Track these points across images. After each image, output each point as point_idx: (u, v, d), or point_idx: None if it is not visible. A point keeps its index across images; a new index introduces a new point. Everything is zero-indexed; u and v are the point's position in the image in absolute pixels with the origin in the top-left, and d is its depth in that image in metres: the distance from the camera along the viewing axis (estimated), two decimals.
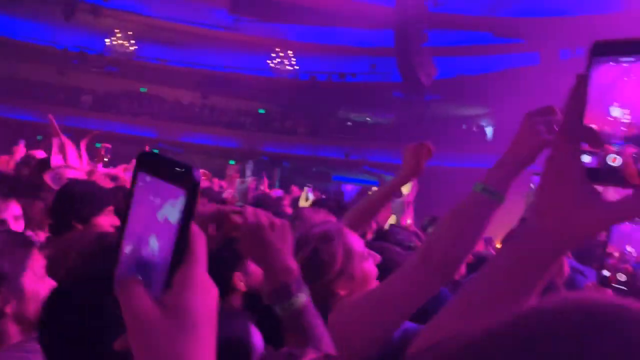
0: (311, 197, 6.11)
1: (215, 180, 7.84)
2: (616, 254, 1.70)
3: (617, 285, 1.65)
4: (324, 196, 6.49)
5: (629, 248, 1.70)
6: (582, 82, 0.74)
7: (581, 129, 0.74)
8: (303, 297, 1.20)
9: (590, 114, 0.74)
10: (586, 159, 0.74)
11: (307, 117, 22.08)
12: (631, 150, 0.72)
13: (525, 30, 18.59)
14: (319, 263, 1.64)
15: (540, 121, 1.10)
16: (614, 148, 0.74)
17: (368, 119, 22.83)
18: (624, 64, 0.74)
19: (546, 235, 0.77)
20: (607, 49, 0.77)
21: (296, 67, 22.58)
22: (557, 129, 0.89)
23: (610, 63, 0.75)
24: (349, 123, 22.56)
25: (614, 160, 0.73)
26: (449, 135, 17.34)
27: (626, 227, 1.73)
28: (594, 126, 0.74)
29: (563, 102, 0.76)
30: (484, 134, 19.58)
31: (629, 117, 0.73)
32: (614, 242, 1.70)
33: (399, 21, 17.72)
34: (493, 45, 20.31)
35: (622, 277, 1.66)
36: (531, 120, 1.11)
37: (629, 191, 0.75)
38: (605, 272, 1.67)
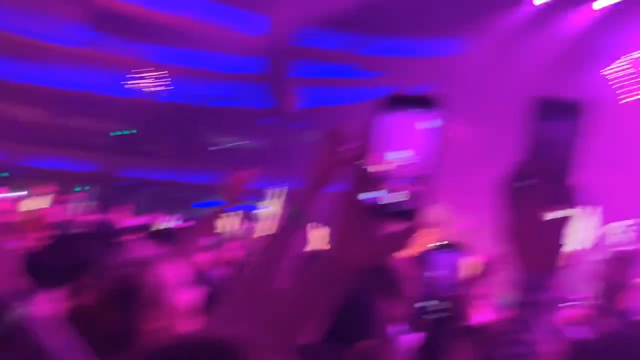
0: (165, 226, 5.92)
1: (59, 208, 7.27)
2: (428, 282, 1.81)
3: (433, 314, 1.74)
4: (183, 224, 6.33)
5: (437, 273, 1.82)
6: (367, 128, 0.85)
7: (366, 170, 0.84)
8: (18, 314, 1.19)
9: (378, 155, 0.84)
10: (372, 196, 0.83)
11: (170, 141, 21.50)
12: (413, 188, 0.83)
13: (387, 67, 19.95)
14: (125, 294, 1.57)
15: (330, 145, 1.17)
16: (397, 186, 0.83)
17: (234, 144, 22.77)
18: (410, 114, 0.87)
19: (333, 262, 0.86)
20: (397, 102, 0.89)
21: (160, 89, 21.96)
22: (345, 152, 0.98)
23: (399, 112, 0.87)
24: (214, 148, 22.32)
25: (397, 197, 0.83)
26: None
27: (433, 254, 1.86)
28: (381, 166, 0.84)
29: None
30: None
31: (411, 158, 0.84)
32: (425, 270, 1.82)
33: (267, 49, 18.03)
34: (357, 78, 21.51)
35: (434, 304, 1.76)
36: (324, 144, 1.17)
37: None
38: (422, 303, 1.76)
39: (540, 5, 12.03)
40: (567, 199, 0.93)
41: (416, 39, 19.46)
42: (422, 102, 0.91)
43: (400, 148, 0.85)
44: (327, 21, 19.01)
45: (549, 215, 0.92)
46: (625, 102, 11.50)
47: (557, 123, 0.98)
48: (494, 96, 11.49)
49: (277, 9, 17.90)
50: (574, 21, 11.84)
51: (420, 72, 16.58)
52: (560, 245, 0.93)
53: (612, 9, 11.25)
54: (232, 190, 2.21)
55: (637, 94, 11.46)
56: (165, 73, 21.74)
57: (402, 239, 0.84)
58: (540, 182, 0.93)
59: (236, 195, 2.24)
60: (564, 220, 0.93)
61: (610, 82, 11.66)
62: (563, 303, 2.69)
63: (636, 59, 11.39)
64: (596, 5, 11.52)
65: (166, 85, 21.95)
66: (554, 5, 11.87)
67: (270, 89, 18.87)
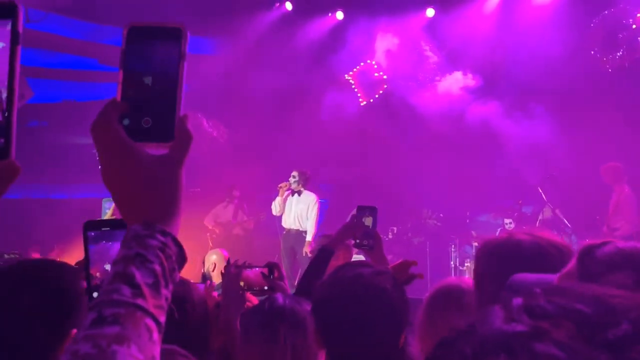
0: None
1: None
2: (97, 275, 1.63)
3: None
4: None
5: (107, 266, 1.64)
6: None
7: None
8: None
9: None
10: None
11: None
12: None
13: None
14: None
15: None
16: None
17: None
18: None
19: None
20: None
21: None
22: None
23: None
24: None
25: None
26: (60, 164, 15.94)
27: (103, 245, 1.65)
28: None
29: None
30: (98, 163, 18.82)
31: None
32: (94, 263, 1.62)
33: None
34: (100, 72, 19.79)
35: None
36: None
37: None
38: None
39: (288, 10, 12.82)
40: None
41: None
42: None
43: None
44: (60, 7, 17.14)
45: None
46: (364, 105, 13.02)
47: (151, 51, 0.89)
48: (240, 96, 11.84)
49: None
50: (319, 26, 12.94)
51: None
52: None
53: (347, 19, 12.61)
54: None
55: (373, 98, 13.09)
56: None
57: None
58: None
59: None
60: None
61: (352, 86, 13.09)
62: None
63: (369, 65, 12.99)
64: (339, 15, 12.77)
65: None
66: (300, 11, 12.78)
67: None
